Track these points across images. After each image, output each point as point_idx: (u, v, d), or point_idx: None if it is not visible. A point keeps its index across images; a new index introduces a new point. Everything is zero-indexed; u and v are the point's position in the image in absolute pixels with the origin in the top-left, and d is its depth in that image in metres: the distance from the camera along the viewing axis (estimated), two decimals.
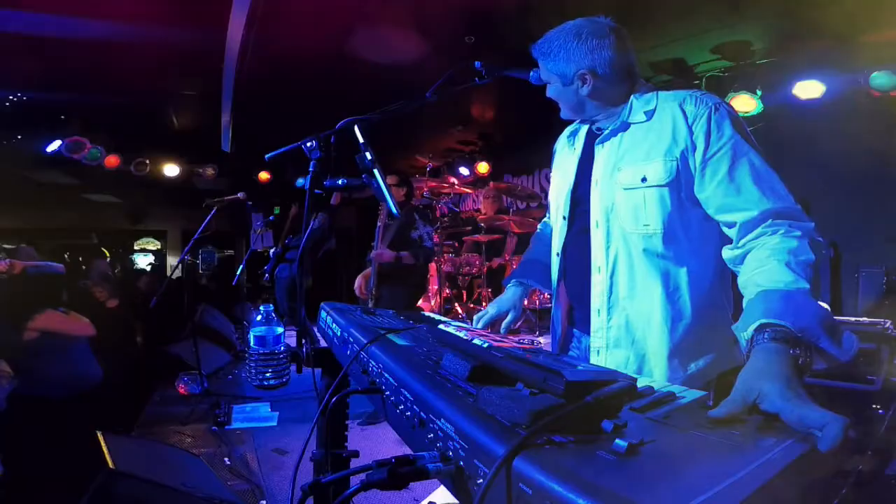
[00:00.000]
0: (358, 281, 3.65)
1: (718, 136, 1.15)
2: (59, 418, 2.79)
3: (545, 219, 1.74)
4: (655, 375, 1.24)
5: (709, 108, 1.17)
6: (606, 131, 1.33)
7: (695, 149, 1.17)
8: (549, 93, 1.39)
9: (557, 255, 1.45)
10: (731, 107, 1.21)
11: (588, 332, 1.34)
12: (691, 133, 1.17)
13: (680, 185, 1.19)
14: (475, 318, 1.46)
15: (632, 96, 1.31)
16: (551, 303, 1.55)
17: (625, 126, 1.29)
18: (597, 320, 1.32)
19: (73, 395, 3.07)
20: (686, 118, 1.18)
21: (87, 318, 3.34)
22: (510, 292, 1.54)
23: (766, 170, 1.14)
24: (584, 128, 1.45)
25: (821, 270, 0.98)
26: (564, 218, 1.43)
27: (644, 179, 1.22)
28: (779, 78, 4.26)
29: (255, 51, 4.14)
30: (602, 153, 1.33)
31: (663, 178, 1.19)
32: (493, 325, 1.45)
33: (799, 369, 0.76)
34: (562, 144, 1.56)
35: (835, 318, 0.86)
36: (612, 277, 1.29)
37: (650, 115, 1.25)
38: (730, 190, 1.14)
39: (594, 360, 1.31)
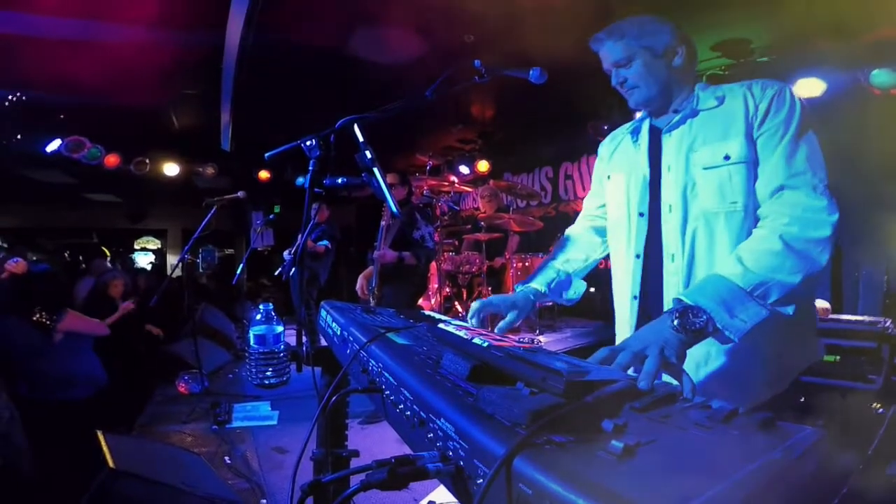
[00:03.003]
0: (360, 281, 3.67)
1: (775, 114, 1.21)
2: (59, 418, 2.80)
3: (580, 224, 1.66)
4: (753, 371, 1.22)
5: (774, 90, 1.23)
6: (675, 119, 1.32)
7: (756, 123, 1.22)
8: (629, 73, 1.32)
9: (638, 256, 1.36)
10: (794, 93, 1.24)
11: None
12: (757, 110, 1.22)
13: (757, 162, 1.22)
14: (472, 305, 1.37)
15: (696, 87, 1.34)
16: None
17: (694, 113, 1.30)
18: None
19: (79, 398, 3.06)
20: (754, 98, 1.24)
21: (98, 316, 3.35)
22: (519, 294, 1.46)
23: (805, 147, 1.18)
24: (646, 123, 1.43)
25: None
26: (642, 214, 1.36)
27: (727, 157, 1.22)
28: (779, 76, 4.23)
29: (255, 50, 4.14)
30: (671, 140, 1.32)
31: (747, 154, 1.21)
32: (491, 318, 1.39)
33: (674, 331, 0.99)
34: (616, 143, 1.53)
35: (748, 298, 1.03)
36: (690, 264, 1.26)
37: (721, 100, 1.28)
38: (767, 163, 1.20)
39: None
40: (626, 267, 1.40)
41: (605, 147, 1.57)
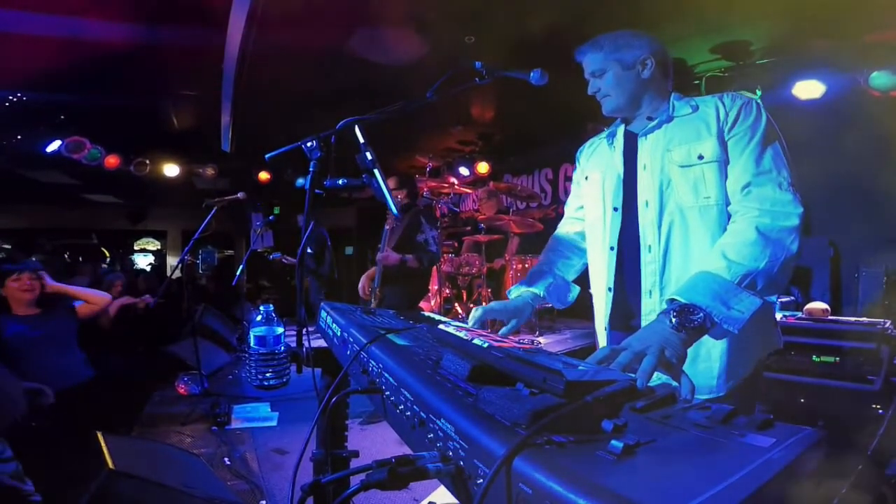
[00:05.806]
0: (362, 281, 3.68)
1: (744, 120, 1.30)
2: (59, 418, 2.79)
3: (564, 227, 1.71)
4: (713, 357, 1.28)
5: (743, 101, 1.33)
6: (651, 125, 1.41)
7: (727, 128, 1.32)
8: (602, 84, 1.43)
9: (612, 249, 1.44)
10: (762, 105, 1.34)
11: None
12: (727, 116, 1.32)
13: (728, 161, 1.31)
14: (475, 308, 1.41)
15: (672, 96, 1.43)
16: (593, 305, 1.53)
17: (669, 119, 1.40)
18: (648, 302, 1.34)
19: (63, 388, 3.04)
20: (725, 107, 1.34)
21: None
22: (519, 300, 1.50)
23: (770, 150, 1.26)
24: (621, 129, 1.51)
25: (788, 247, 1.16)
26: (616, 209, 1.44)
27: (701, 157, 1.31)
28: (779, 78, 4.25)
29: (255, 51, 4.14)
30: (647, 143, 1.41)
31: (719, 154, 1.30)
32: (491, 323, 1.42)
33: (674, 330, 1.01)
34: (593, 148, 1.62)
35: (739, 290, 1.07)
36: (665, 255, 1.33)
37: (695, 108, 1.39)
38: (736, 163, 1.28)
39: None
40: (602, 260, 1.47)
41: (582, 153, 1.67)
